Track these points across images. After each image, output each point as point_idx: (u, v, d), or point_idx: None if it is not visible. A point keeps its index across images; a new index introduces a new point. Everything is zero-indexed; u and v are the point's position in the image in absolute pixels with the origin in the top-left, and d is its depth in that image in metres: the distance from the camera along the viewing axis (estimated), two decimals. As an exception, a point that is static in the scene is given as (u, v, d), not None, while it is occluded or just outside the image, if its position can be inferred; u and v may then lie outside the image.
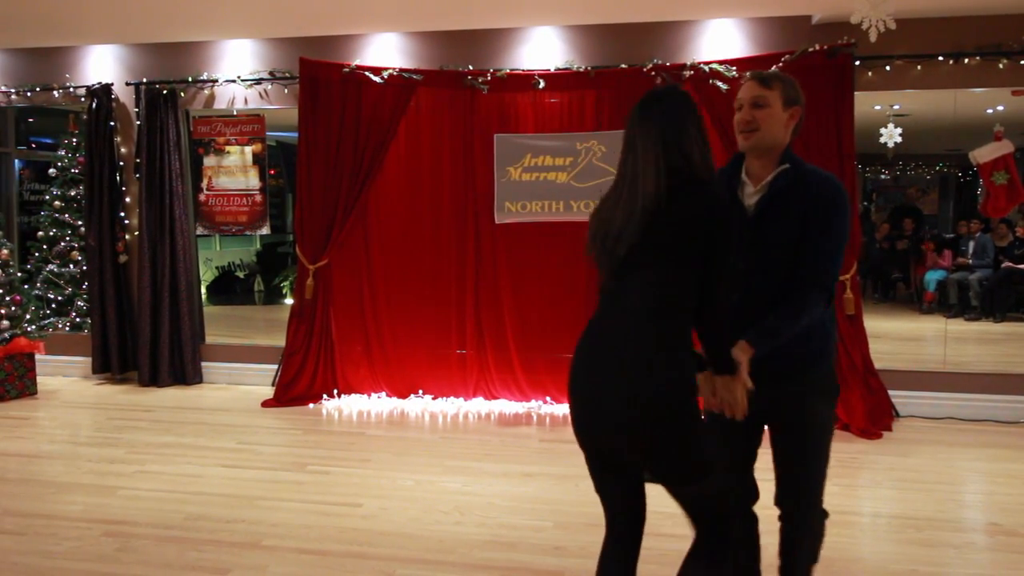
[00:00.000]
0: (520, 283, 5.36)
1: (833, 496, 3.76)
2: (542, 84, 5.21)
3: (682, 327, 1.88)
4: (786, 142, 2.14)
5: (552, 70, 5.25)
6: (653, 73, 5.05)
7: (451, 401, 5.43)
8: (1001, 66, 4.87)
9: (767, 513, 2.35)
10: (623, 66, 5.16)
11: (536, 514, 3.52)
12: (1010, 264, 6.96)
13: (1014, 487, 3.91)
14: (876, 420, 4.81)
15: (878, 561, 3.06)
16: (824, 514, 2.28)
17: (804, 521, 2.23)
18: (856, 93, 4.88)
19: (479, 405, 5.38)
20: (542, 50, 5.36)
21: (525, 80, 5.24)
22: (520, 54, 5.39)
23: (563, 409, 5.26)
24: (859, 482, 4.00)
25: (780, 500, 2.25)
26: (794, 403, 2.15)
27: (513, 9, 5.01)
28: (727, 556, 1.99)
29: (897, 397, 5.04)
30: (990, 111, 5.56)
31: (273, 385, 5.70)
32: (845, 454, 4.38)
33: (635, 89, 5.09)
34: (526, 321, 5.37)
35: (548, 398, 5.35)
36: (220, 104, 5.91)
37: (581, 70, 5.19)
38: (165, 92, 5.83)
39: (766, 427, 2.27)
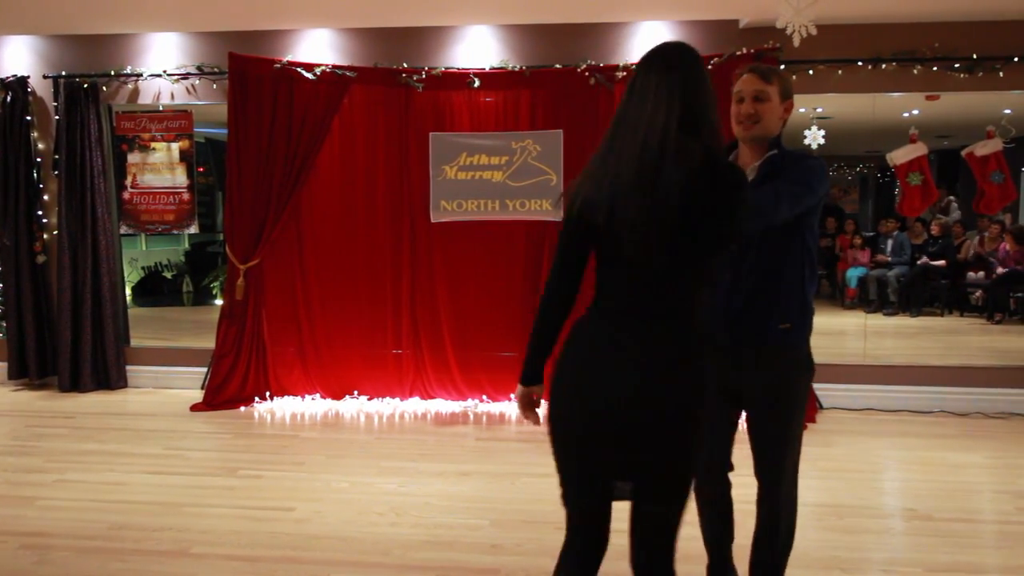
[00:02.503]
0: (456, 282, 5.36)
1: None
2: (477, 83, 5.21)
3: (703, 318, 1.78)
4: (778, 132, 2.28)
5: (487, 69, 5.25)
6: (587, 74, 5.11)
7: (387, 401, 5.39)
8: (915, 72, 5.10)
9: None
10: (557, 66, 5.20)
11: (473, 513, 3.53)
12: (926, 260, 7.29)
13: (928, 474, 4.11)
14: (801, 412, 4.97)
15: (803, 548, 3.16)
16: (795, 502, 2.39)
17: (783, 500, 2.34)
18: (781, 96, 5.03)
19: (415, 405, 5.35)
20: (477, 49, 5.37)
21: (460, 79, 5.23)
22: (455, 53, 5.38)
23: (499, 407, 5.28)
24: (785, 473, 4.13)
25: (761, 478, 2.35)
26: (774, 383, 2.26)
27: (448, 7, 5.00)
28: None
29: (821, 390, 5.23)
30: (906, 115, 5.81)
31: (202, 388, 5.55)
32: (772, 446, 4.51)
33: (569, 90, 5.15)
34: (462, 320, 5.37)
35: (485, 396, 5.36)
36: (145, 99, 5.72)
37: (516, 69, 5.21)
38: (86, 86, 5.60)
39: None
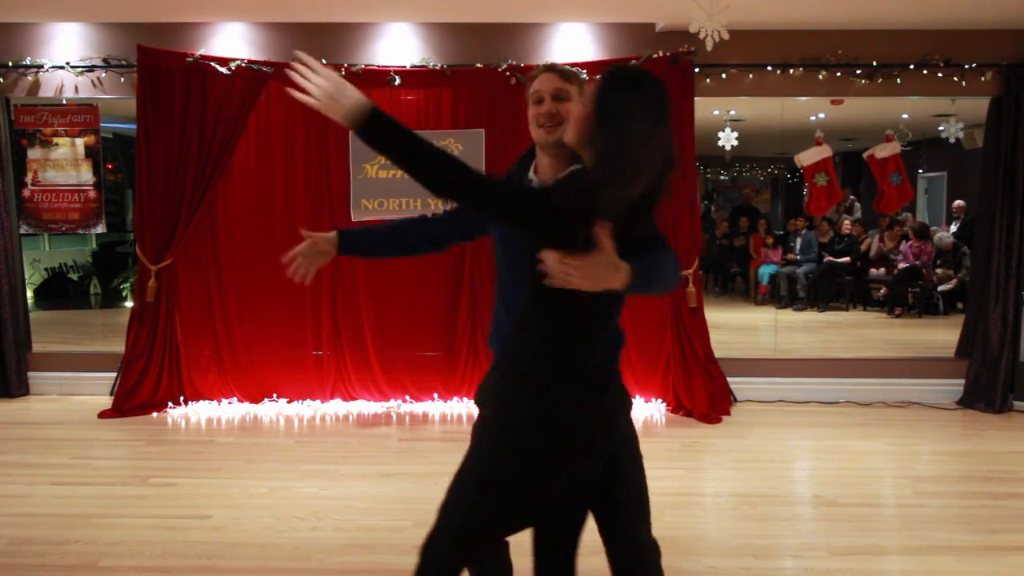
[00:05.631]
0: (378, 282, 5.31)
1: (678, 479, 4.00)
2: (398, 81, 5.17)
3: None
4: None
5: (408, 67, 5.22)
6: (508, 73, 5.14)
7: (307, 404, 5.29)
8: (821, 77, 5.33)
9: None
10: (479, 65, 5.20)
11: (395, 514, 3.50)
12: (831, 258, 7.64)
13: (835, 461, 4.30)
14: (716, 405, 5.14)
15: (718, 537, 3.27)
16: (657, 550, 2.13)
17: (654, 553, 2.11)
18: (696, 99, 5.18)
19: (337, 407, 5.27)
20: (397, 47, 5.32)
21: (380, 76, 5.18)
22: (375, 50, 5.32)
23: (422, 407, 5.26)
24: (701, 464, 4.26)
25: (633, 548, 2.06)
26: (629, 442, 2.05)
27: (367, 4, 4.93)
28: None
29: (734, 383, 5.40)
30: (812, 118, 6.07)
31: (111, 394, 5.33)
32: (688, 439, 4.65)
33: (490, 89, 5.17)
34: (384, 320, 5.32)
35: (407, 397, 5.32)
36: (47, 92, 5.43)
37: (437, 68, 5.20)
38: (-20, 77, 5.30)
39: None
